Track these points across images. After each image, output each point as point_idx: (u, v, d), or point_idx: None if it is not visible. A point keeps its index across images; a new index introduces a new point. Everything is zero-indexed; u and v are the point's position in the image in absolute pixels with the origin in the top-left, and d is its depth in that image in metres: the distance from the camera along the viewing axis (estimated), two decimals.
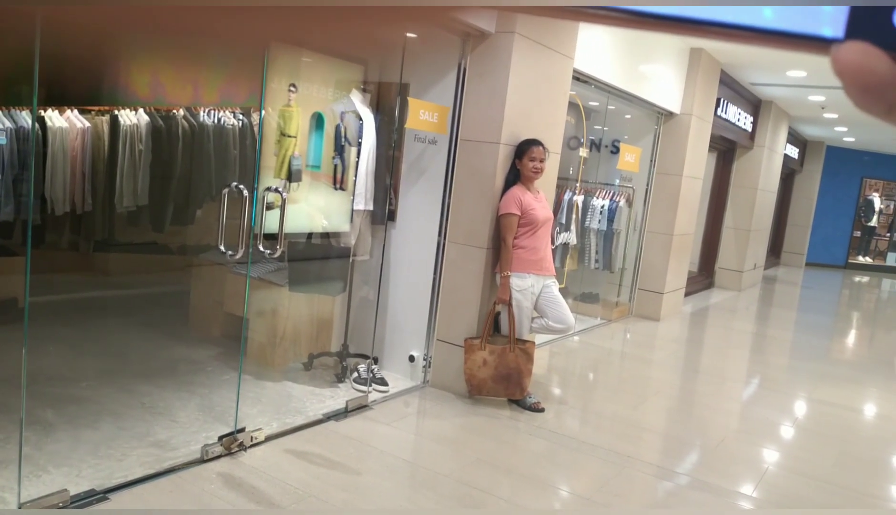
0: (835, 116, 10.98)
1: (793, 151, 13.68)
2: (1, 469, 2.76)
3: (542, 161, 4.16)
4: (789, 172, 14.86)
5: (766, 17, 0.32)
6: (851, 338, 8.91)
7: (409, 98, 4.04)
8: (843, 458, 4.20)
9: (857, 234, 16.93)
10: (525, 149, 4.17)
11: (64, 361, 4.14)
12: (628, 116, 7.27)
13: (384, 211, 4.38)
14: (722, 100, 8.28)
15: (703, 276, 10.41)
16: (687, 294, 8.99)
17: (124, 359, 4.38)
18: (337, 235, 4.30)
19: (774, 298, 11.28)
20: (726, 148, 10.12)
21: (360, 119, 4.14)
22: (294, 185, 4.11)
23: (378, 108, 4.37)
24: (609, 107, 6.86)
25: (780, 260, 15.60)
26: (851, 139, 14.35)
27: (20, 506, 2.48)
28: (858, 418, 5.23)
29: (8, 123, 4.46)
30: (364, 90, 4.30)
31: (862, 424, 5.13)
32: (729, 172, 10.46)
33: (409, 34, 4.26)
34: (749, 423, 4.80)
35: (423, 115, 4.05)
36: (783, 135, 11.42)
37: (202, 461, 3.07)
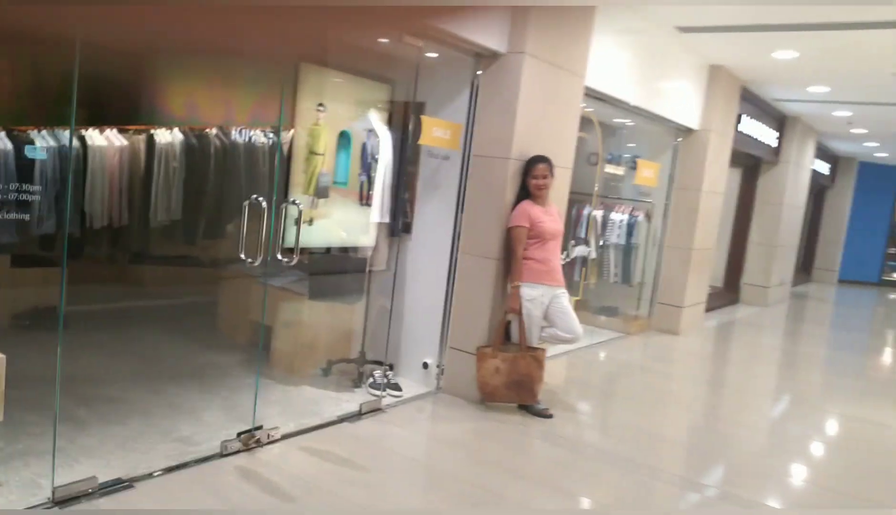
0: (864, 131, 10.91)
1: (823, 167, 13.58)
2: (37, 458, 3.00)
3: (544, 178, 4.33)
4: (820, 189, 14.74)
5: None
6: (883, 355, 8.80)
7: (422, 116, 4.24)
8: (871, 472, 4.21)
9: (892, 250, 16.64)
10: (530, 167, 4.36)
11: (99, 365, 4.40)
12: (647, 133, 7.37)
13: (399, 224, 4.58)
14: (744, 116, 8.34)
15: (729, 291, 10.40)
16: (711, 309, 9.01)
17: (155, 364, 4.63)
18: (358, 248, 4.51)
19: (802, 314, 11.18)
20: (751, 163, 10.14)
21: (378, 137, 4.35)
22: (321, 200, 4.32)
23: (394, 125, 4.58)
24: (627, 123, 6.99)
25: (812, 277, 15.42)
26: (884, 155, 14.18)
27: (53, 491, 2.70)
28: (888, 433, 5.18)
29: (52, 142, 4.76)
30: (384, 110, 4.52)
31: (892, 439, 5.09)
32: (754, 188, 10.46)
33: (428, 54, 4.48)
34: (773, 436, 4.83)
35: (437, 132, 4.25)
36: (810, 150, 11.38)
37: (221, 455, 3.28)
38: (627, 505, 3.41)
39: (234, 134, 5.65)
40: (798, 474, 4.11)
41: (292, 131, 4.42)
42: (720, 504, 3.49)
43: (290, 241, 3.87)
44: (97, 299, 6.00)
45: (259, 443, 3.42)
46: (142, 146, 5.38)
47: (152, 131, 5.39)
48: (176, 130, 5.46)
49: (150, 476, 3.00)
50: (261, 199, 3.62)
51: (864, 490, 3.90)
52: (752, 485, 3.75)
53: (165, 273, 6.56)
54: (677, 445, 4.50)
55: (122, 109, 6.05)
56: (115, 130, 5.29)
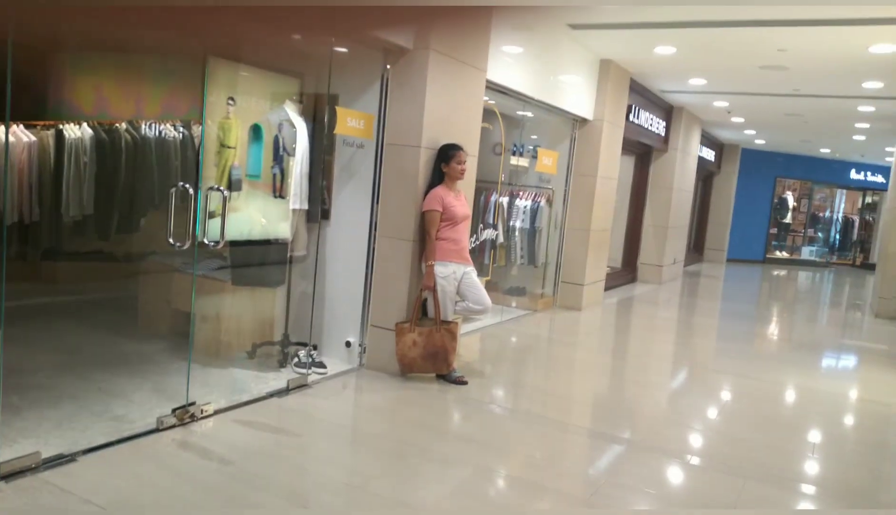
0: (741, 120, 11.90)
1: (710, 154, 14.65)
2: None
3: (464, 162, 4.73)
4: (708, 174, 15.87)
5: None
6: (766, 324, 9.70)
7: (336, 107, 4.50)
8: (759, 419, 4.76)
9: (774, 230, 18.13)
10: (452, 154, 4.72)
11: (20, 357, 4.42)
12: (547, 124, 7.88)
13: (318, 210, 4.83)
14: (634, 106, 9.00)
15: (626, 271, 11.14)
16: (611, 287, 9.67)
17: (77, 354, 4.70)
18: (276, 237, 4.72)
19: (694, 289, 12.10)
20: (643, 151, 10.89)
21: (294, 127, 4.58)
22: (234, 194, 4.50)
23: (310, 116, 4.81)
24: (528, 115, 7.46)
25: (704, 257, 16.59)
26: (762, 142, 15.43)
27: None
28: (770, 387, 5.71)
29: None
30: (298, 101, 4.75)
31: (779, 393, 5.61)
32: (647, 174, 11.24)
33: (338, 49, 4.74)
34: (673, 393, 5.37)
35: (351, 122, 4.53)
36: (696, 138, 12.30)
37: (158, 430, 3.46)
38: (544, 454, 3.81)
39: (145, 128, 5.72)
40: (697, 423, 4.62)
41: (201, 126, 4.55)
42: (630, 451, 3.95)
43: (213, 229, 4.05)
44: (9, 296, 5.91)
45: (193, 418, 3.62)
46: (51, 142, 5.38)
47: (61, 126, 5.40)
48: (85, 125, 5.48)
49: (90, 450, 3.16)
50: (188, 186, 3.79)
51: (755, 434, 4.43)
52: (657, 434, 4.23)
53: (79, 269, 6.52)
54: (585, 404, 4.98)
55: (29, 105, 5.99)
56: (21, 126, 5.27)
